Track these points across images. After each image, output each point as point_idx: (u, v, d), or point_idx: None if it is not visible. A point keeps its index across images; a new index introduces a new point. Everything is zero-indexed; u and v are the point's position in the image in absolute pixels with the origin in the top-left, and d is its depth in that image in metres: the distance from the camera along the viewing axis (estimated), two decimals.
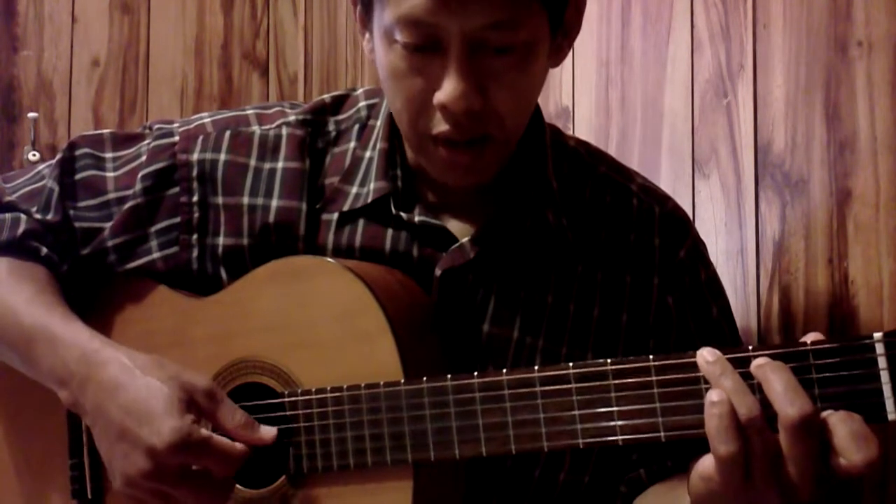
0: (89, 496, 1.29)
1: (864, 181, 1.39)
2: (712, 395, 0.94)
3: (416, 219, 1.23)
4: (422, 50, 1.12)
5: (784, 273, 1.51)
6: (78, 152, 1.33)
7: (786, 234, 1.51)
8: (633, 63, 1.83)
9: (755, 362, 0.95)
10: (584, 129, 1.92)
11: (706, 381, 0.97)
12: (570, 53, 1.95)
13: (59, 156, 1.34)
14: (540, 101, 1.97)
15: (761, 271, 1.55)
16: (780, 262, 1.52)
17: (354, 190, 1.26)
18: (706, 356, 0.97)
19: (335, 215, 1.26)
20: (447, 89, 1.12)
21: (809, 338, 0.97)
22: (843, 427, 0.92)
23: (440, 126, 1.15)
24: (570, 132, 1.93)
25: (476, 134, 1.16)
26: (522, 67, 1.14)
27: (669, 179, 1.71)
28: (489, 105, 1.14)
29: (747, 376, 0.96)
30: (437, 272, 1.22)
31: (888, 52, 1.37)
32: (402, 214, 1.23)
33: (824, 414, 0.93)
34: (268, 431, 1.15)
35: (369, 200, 1.24)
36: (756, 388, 0.95)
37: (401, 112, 1.18)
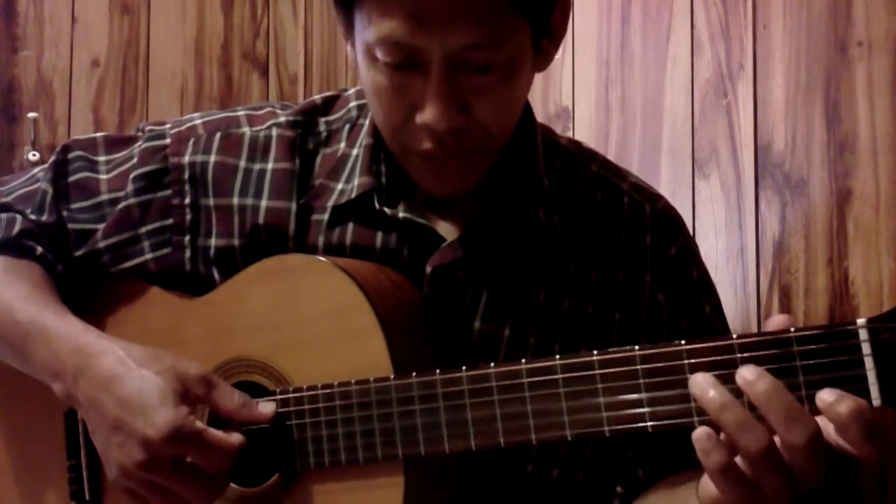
0: (87, 497, 1.29)
1: (864, 181, 1.39)
2: (706, 444, 0.92)
3: (401, 215, 1.22)
4: (403, 68, 1.12)
5: (784, 273, 1.51)
6: (71, 155, 1.34)
7: (786, 234, 1.51)
8: (633, 63, 1.83)
9: (743, 375, 0.92)
10: (584, 129, 1.92)
11: (692, 370, 0.96)
12: (570, 53, 1.95)
13: (52, 158, 1.34)
14: (540, 101, 1.98)
15: (761, 271, 1.55)
16: (780, 262, 1.51)
17: (339, 186, 1.26)
18: (702, 385, 0.94)
19: (324, 215, 1.25)
20: (429, 111, 1.11)
21: (775, 320, 0.95)
22: (856, 425, 0.89)
23: (424, 143, 1.15)
24: (570, 132, 1.93)
25: (461, 150, 1.16)
26: (506, 83, 1.13)
27: (669, 179, 1.71)
28: (473, 120, 1.13)
29: (733, 365, 0.94)
30: (428, 269, 1.22)
31: (888, 52, 1.37)
32: (386, 210, 1.22)
33: (826, 400, 0.90)
34: (267, 407, 1.16)
35: (353, 196, 1.23)
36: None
37: (384, 126, 1.19)
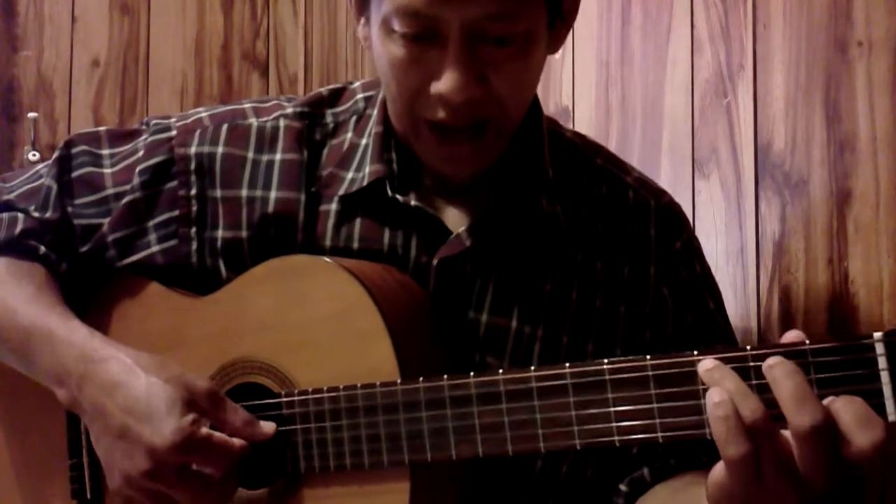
0: (89, 496, 1.29)
1: (864, 181, 1.39)
2: (714, 397, 0.93)
3: (412, 202, 1.23)
4: (420, 40, 1.13)
5: (784, 273, 1.51)
6: (75, 150, 1.33)
7: (786, 234, 1.51)
8: (633, 63, 1.83)
9: (767, 362, 0.93)
10: (584, 129, 1.92)
11: (704, 382, 0.97)
12: (570, 53, 1.95)
13: (56, 154, 1.34)
14: (540, 100, 1.97)
15: (761, 271, 1.55)
16: (780, 262, 1.51)
17: (350, 175, 1.26)
18: (706, 364, 0.96)
19: (333, 205, 1.26)
20: (447, 80, 1.12)
21: (790, 335, 0.96)
22: (846, 412, 0.90)
23: (438, 113, 1.16)
24: None
25: (477, 119, 1.16)
26: (522, 56, 1.15)
27: (669, 179, 1.71)
28: (490, 92, 1.15)
29: (746, 376, 0.95)
30: (434, 261, 1.22)
31: (888, 52, 1.37)
32: (399, 197, 1.23)
33: (826, 401, 0.92)
34: (268, 426, 1.16)
35: (365, 184, 1.24)
36: (756, 389, 0.94)
37: (396, 98, 1.19)
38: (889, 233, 1.35)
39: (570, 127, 1.93)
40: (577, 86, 1.94)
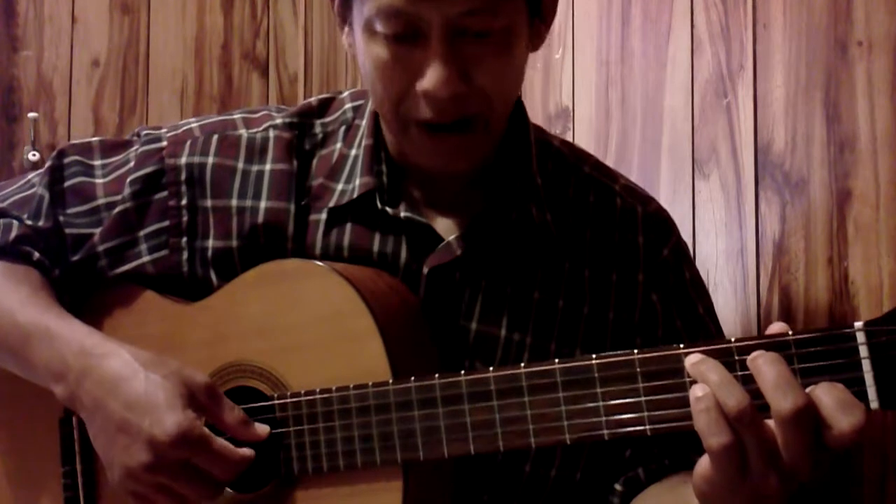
0: (82, 503, 1.29)
1: (864, 181, 1.39)
2: (696, 391, 0.94)
3: (402, 214, 1.23)
4: (403, 39, 1.14)
5: (784, 273, 1.51)
6: (67, 160, 1.34)
7: (786, 234, 1.51)
8: (633, 63, 1.83)
9: (751, 354, 0.94)
10: (584, 129, 1.92)
11: (690, 375, 0.97)
12: (570, 53, 1.95)
13: (48, 164, 1.35)
14: (540, 100, 1.97)
15: (761, 271, 1.55)
16: (780, 262, 1.51)
17: (340, 187, 1.26)
18: (692, 358, 0.97)
19: (323, 215, 1.26)
20: (431, 77, 1.13)
21: (774, 326, 0.97)
22: (827, 397, 0.92)
23: (424, 113, 1.16)
24: (570, 132, 1.93)
25: (463, 114, 1.17)
26: (503, 51, 1.16)
27: (669, 179, 1.71)
28: (474, 87, 1.15)
29: (731, 368, 0.95)
30: (425, 270, 1.23)
31: (888, 52, 1.36)
32: (388, 209, 1.23)
33: (807, 389, 0.93)
34: (262, 428, 1.17)
35: (355, 196, 1.24)
36: (741, 380, 0.94)
37: (383, 101, 1.19)
38: (889, 233, 1.35)
39: (571, 126, 1.93)
40: (577, 86, 1.94)
